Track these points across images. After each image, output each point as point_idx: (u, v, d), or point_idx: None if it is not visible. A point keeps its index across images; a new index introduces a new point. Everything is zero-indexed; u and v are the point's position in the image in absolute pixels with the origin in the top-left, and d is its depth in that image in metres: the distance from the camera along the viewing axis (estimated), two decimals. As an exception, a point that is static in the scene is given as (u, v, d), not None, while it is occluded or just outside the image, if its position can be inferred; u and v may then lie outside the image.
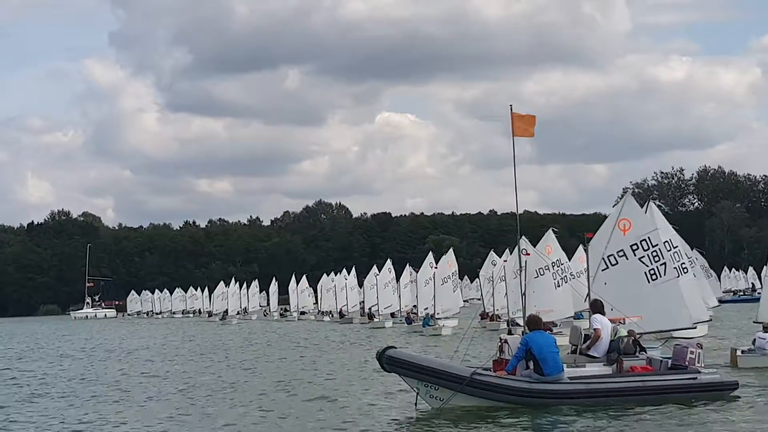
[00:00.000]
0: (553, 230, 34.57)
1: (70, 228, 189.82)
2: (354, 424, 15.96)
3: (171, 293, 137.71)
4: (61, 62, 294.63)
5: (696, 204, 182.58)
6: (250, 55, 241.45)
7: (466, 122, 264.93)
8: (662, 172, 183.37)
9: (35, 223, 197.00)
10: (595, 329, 18.01)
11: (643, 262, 20.46)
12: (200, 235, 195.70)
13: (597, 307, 18.74)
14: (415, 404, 16.96)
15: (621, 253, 20.55)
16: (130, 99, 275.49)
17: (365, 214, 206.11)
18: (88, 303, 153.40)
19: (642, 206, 22.55)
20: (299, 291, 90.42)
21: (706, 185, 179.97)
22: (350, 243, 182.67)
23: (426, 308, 51.48)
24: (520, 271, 24.49)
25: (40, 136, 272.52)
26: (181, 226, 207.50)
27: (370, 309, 65.68)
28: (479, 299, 62.46)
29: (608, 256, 20.57)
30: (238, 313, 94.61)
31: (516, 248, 34.92)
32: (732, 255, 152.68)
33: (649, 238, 20.67)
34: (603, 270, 20.51)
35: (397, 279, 66.72)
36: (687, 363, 17.52)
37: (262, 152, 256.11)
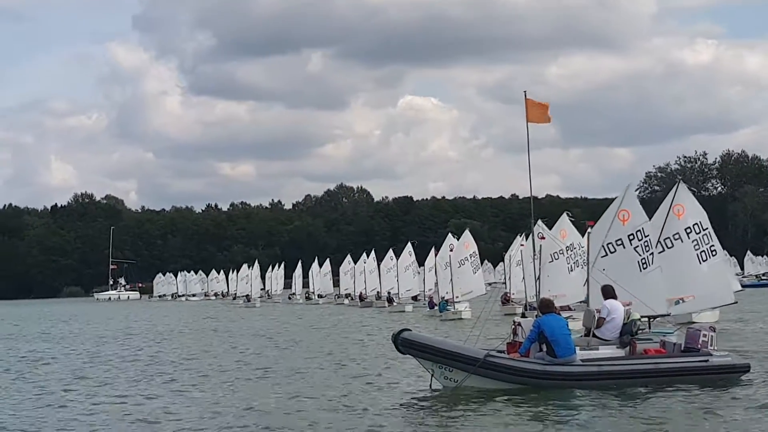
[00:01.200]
0: (567, 214, 34.36)
1: (94, 210, 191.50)
2: (369, 404, 16.18)
3: (195, 276, 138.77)
4: (85, 45, 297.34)
5: (719, 188, 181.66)
6: (272, 38, 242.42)
7: (489, 105, 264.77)
8: (685, 156, 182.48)
9: (59, 205, 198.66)
10: (601, 317, 18.21)
11: (637, 252, 20.93)
12: (222, 219, 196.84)
13: (608, 292, 18.92)
14: (430, 385, 17.24)
15: (619, 242, 21.11)
16: (154, 82, 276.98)
17: (386, 197, 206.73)
18: (112, 285, 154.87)
19: (672, 188, 23.67)
20: (322, 274, 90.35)
21: (729, 169, 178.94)
22: (371, 227, 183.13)
23: (430, 289, 50.99)
24: (533, 255, 24.60)
25: (64, 119, 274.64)
26: (204, 209, 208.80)
27: (389, 293, 65.55)
28: (503, 283, 61.80)
29: (607, 244, 21.08)
30: (260, 297, 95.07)
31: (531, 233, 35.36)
32: (755, 239, 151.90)
33: (642, 228, 21.17)
34: (602, 257, 21.10)
35: (420, 263, 66.75)
36: (700, 346, 17.69)
37: (284, 136, 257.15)
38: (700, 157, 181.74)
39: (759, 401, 15.31)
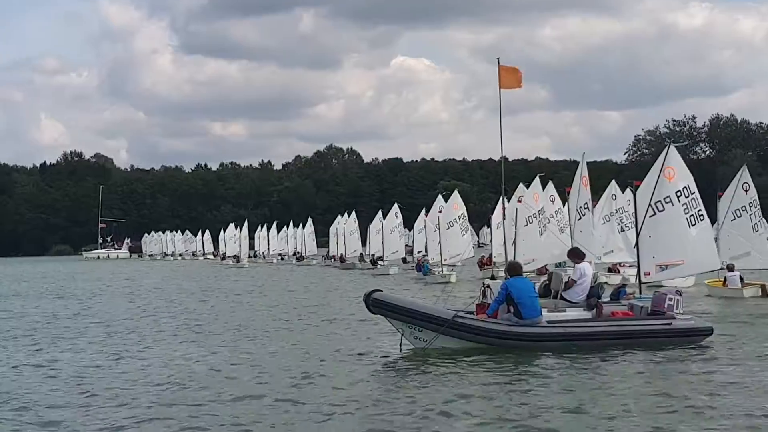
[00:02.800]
0: (539, 177, 34.26)
1: (83, 169, 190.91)
2: (340, 364, 16.55)
3: (183, 235, 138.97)
4: (75, 3, 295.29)
5: (708, 152, 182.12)
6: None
7: (481, 67, 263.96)
8: (674, 120, 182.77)
9: (48, 163, 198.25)
10: (572, 279, 18.61)
11: (686, 209, 21.30)
12: (212, 178, 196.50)
13: (578, 254, 19.32)
14: (400, 345, 17.63)
15: (668, 200, 21.41)
16: (145, 40, 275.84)
17: (376, 159, 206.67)
18: (101, 244, 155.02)
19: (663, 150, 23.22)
20: (306, 235, 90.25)
21: (718, 133, 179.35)
22: (360, 188, 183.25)
23: (420, 252, 50.31)
24: (503, 220, 25.05)
25: (54, 76, 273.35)
26: (193, 168, 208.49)
27: (373, 255, 64.84)
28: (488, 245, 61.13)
29: (655, 203, 21.41)
30: (249, 257, 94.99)
31: (513, 196, 35.39)
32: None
33: (689, 185, 21.55)
34: (651, 216, 21.38)
35: (409, 225, 66.19)
36: (665, 309, 18.12)
37: (276, 95, 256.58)
38: (689, 121, 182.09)
39: (715, 362, 15.75)
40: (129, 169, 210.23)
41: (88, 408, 12.84)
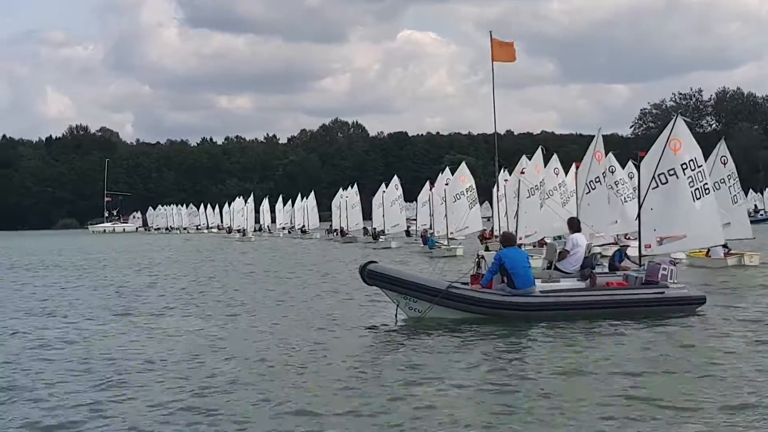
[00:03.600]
0: (542, 149, 33.82)
1: (88, 143, 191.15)
2: (335, 333, 16.72)
3: (194, 209, 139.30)
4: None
5: (714, 125, 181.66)
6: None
7: (488, 41, 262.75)
8: (680, 93, 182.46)
9: (53, 137, 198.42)
10: (565, 250, 18.74)
11: (690, 182, 21.03)
12: (217, 152, 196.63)
13: (575, 225, 19.45)
14: (395, 315, 17.78)
15: (672, 172, 21.08)
16: (150, 13, 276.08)
17: (382, 133, 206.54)
18: (107, 217, 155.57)
19: (670, 122, 22.61)
20: (308, 208, 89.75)
21: (724, 107, 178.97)
22: (365, 162, 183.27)
23: (424, 225, 49.52)
24: (497, 194, 25.06)
25: (60, 49, 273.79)
26: (199, 142, 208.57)
27: (374, 229, 64.00)
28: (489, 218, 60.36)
29: (659, 175, 21.12)
30: (255, 231, 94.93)
31: (515, 169, 35.21)
32: (748, 176, 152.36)
33: (695, 158, 21.23)
34: (654, 188, 21.13)
35: (413, 198, 65.49)
36: (659, 279, 18.24)
37: (282, 69, 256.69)
38: (695, 94, 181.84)
39: (707, 330, 15.88)
40: (135, 143, 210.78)
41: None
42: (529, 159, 34.78)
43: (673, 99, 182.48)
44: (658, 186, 21.24)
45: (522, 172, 32.10)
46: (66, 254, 57.96)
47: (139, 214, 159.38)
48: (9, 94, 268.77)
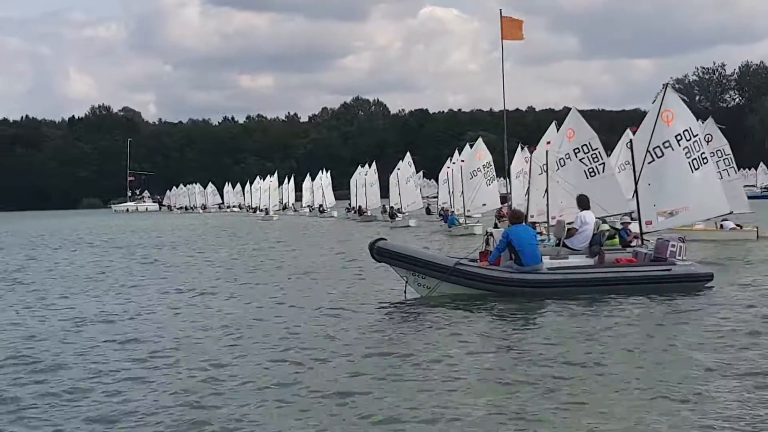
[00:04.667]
0: (555, 124, 32.48)
1: (111, 123, 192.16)
2: (345, 308, 16.98)
3: (214, 188, 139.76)
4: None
5: (737, 100, 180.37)
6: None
7: (511, 15, 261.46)
8: (703, 68, 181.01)
9: (76, 117, 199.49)
10: (573, 228, 18.92)
11: (687, 153, 20.66)
12: (238, 131, 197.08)
13: (583, 202, 19.59)
14: (404, 292, 17.98)
15: (667, 145, 20.70)
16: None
17: (403, 110, 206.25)
18: (131, 197, 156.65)
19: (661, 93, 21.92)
20: (324, 187, 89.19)
21: (747, 81, 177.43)
22: (386, 140, 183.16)
23: (445, 203, 48.81)
24: (506, 170, 24.83)
25: (82, 29, 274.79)
26: (220, 122, 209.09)
27: (392, 207, 62.61)
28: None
29: (654, 149, 20.73)
30: (277, 210, 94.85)
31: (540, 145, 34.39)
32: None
33: (690, 128, 20.83)
34: (649, 163, 20.77)
35: (434, 176, 63.97)
36: (668, 256, 18.36)
37: (304, 47, 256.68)
38: (718, 69, 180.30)
39: (713, 307, 15.96)
40: (157, 123, 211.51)
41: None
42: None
43: (696, 73, 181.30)
44: (654, 160, 20.85)
45: (533, 149, 31.06)
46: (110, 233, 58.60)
47: (148, 194, 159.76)
48: (32, 74, 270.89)
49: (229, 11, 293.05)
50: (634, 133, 21.66)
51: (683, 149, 20.71)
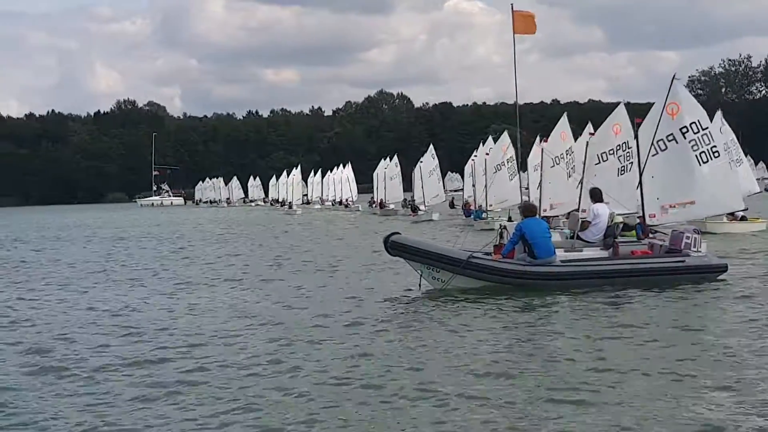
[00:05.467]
0: (566, 114, 31.72)
1: (136, 117, 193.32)
2: (361, 300, 17.15)
3: (240, 182, 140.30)
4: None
5: (763, 92, 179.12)
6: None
7: (535, 8, 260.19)
8: (729, 60, 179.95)
9: (102, 112, 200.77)
10: (586, 221, 18.97)
11: (694, 146, 20.44)
12: (263, 125, 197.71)
13: (596, 195, 19.61)
14: (419, 285, 18.11)
15: (671, 138, 20.55)
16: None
17: (427, 104, 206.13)
18: (156, 191, 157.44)
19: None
20: (344, 180, 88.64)
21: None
22: (410, 133, 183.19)
23: (470, 196, 48.32)
24: (518, 167, 24.53)
25: (108, 24, 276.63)
26: (244, 116, 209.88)
27: (413, 200, 62.05)
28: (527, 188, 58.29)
29: (658, 141, 20.60)
30: (303, 203, 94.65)
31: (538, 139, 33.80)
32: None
33: (698, 121, 20.60)
34: (653, 156, 20.62)
35: (459, 169, 62.83)
36: (683, 248, 18.35)
37: (328, 41, 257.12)
38: (744, 60, 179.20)
39: (728, 298, 15.97)
40: (182, 117, 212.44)
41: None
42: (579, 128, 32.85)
43: (722, 65, 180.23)
44: (657, 153, 20.65)
45: (545, 140, 30.42)
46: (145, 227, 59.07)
47: (166, 187, 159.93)
48: (58, 69, 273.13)
49: (254, 5, 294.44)
50: (639, 124, 21.36)
51: (689, 142, 20.51)
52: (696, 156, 20.54)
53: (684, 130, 20.57)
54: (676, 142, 20.57)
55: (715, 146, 20.65)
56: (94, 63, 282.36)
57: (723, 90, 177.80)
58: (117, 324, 15.30)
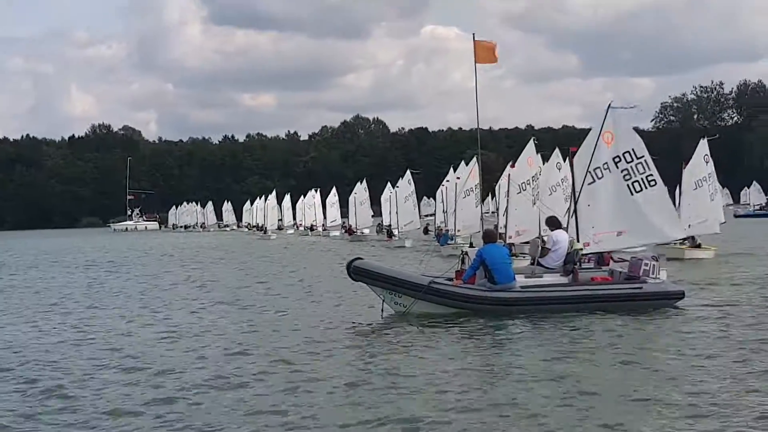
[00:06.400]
0: (534, 141, 30.97)
1: (111, 141, 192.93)
2: (322, 326, 17.26)
3: (214, 207, 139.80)
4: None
5: (735, 118, 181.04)
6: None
7: (512, 35, 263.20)
8: (701, 86, 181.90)
9: (76, 136, 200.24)
10: (546, 248, 19.23)
11: (626, 175, 20.34)
12: (238, 150, 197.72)
13: (554, 222, 19.86)
14: (381, 310, 18.25)
15: (606, 166, 20.43)
16: (174, 12, 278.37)
17: (403, 129, 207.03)
18: (130, 216, 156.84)
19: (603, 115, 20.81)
20: (317, 205, 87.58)
21: (745, 99, 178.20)
22: (386, 158, 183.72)
23: (442, 222, 48.18)
24: (479, 191, 24.88)
25: (84, 49, 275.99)
26: (220, 140, 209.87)
27: (389, 226, 61.30)
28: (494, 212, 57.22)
29: (594, 170, 20.50)
30: (276, 228, 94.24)
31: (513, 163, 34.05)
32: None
33: (633, 150, 20.45)
34: (589, 184, 20.53)
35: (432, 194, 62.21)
36: (641, 275, 18.63)
37: (305, 66, 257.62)
38: (717, 87, 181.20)
39: (683, 325, 16.22)
40: (157, 141, 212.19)
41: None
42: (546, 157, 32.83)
43: (694, 92, 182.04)
44: (594, 181, 20.50)
45: (512, 166, 30.18)
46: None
47: (137, 212, 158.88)
48: (34, 93, 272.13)
49: (231, 29, 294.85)
50: (573, 153, 21.13)
51: (621, 171, 20.37)
52: (628, 185, 20.40)
53: (617, 159, 20.46)
54: (610, 171, 20.47)
55: (651, 175, 20.47)
56: (70, 87, 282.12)
57: (695, 116, 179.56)
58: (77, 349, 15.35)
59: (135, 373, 13.00)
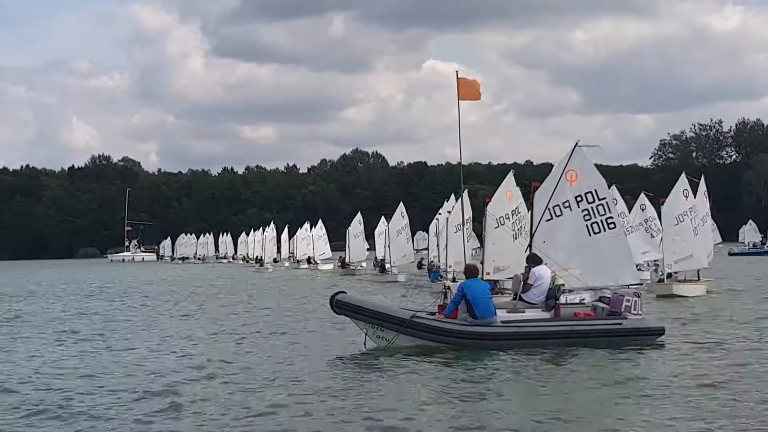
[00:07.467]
0: (513, 173, 30.26)
1: (110, 173, 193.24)
2: (305, 359, 17.37)
3: (201, 239, 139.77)
4: (108, 6, 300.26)
5: (734, 156, 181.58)
6: (296, 0, 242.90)
7: (512, 71, 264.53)
8: (700, 124, 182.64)
9: (76, 167, 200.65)
10: (528, 283, 19.38)
11: (587, 215, 20.26)
12: (237, 182, 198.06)
13: (535, 259, 19.99)
14: (364, 343, 18.37)
15: (566, 204, 20.36)
16: (176, 44, 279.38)
17: (401, 163, 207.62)
18: (127, 247, 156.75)
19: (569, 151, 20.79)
20: (316, 237, 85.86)
21: (744, 138, 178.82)
22: (385, 192, 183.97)
23: (435, 256, 47.85)
24: (463, 226, 24.96)
25: (86, 80, 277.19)
26: (220, 172, 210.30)
27: (382, 259, 60.46)
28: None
29: (554, 207, 20.43)
30: (275, 261, 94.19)
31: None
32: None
33: (595, 190, 20.37)
34: (547, 221, 20.44)
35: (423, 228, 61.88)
36: (622, 310, 18.75)
37: (306, 99, 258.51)
38: (716, 125, 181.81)
39: (661, 362, 16.35)
40: (157, 173, 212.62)
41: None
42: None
43: (693, 130, 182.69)
44: (552, 218, 20.43)
45: (488, 200, 29.45)
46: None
47: (135, 243, 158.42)
48: (35, 124, 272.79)
49: (233, 62, 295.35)
50: (536, 189, 21.04)
51: (582, 211, 20.30)
52: (587, 225, 20.32)
53: (579, 198, 20.42)
54: (570, 210, 20.43)
55: (610, 217, 20.39)
56: (71, 118, 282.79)
57: (694, 154, 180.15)
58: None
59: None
